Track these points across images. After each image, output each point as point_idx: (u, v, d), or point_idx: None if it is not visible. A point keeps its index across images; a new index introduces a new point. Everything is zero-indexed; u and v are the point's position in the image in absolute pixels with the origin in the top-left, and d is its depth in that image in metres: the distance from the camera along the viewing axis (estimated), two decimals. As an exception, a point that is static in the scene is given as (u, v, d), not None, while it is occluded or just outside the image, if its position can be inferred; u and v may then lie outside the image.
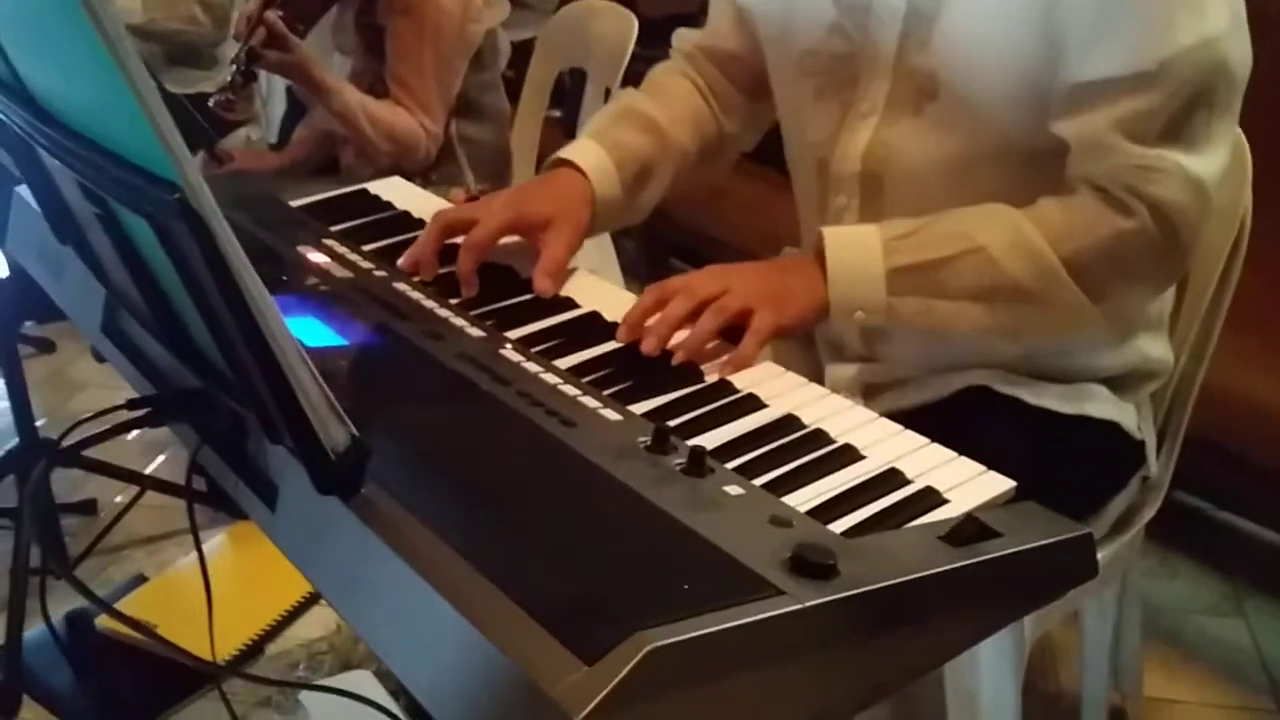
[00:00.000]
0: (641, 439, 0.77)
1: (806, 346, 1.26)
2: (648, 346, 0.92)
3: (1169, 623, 1.81)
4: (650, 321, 0.94)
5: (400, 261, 1.06)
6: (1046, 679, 1.69)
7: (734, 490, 0.73)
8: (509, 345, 0.92)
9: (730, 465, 0.77)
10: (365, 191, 1.31)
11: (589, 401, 0.83)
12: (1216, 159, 0.99)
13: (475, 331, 0.94)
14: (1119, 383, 1.15)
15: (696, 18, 1.44)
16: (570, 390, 0.85)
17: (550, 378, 0.87)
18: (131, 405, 0.82)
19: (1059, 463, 1.08)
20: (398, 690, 1.59)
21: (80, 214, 0.82)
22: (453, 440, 0.77)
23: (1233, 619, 1.83)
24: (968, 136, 1.05)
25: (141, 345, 0.95)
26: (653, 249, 2.66)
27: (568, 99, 2.57)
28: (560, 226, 1.08)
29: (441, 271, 1.08)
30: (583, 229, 1.11)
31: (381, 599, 0.64)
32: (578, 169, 1.14)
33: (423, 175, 2.10)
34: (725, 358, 0.92)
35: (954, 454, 0.81)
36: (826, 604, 0.60)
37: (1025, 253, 0.99)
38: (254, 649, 1.75)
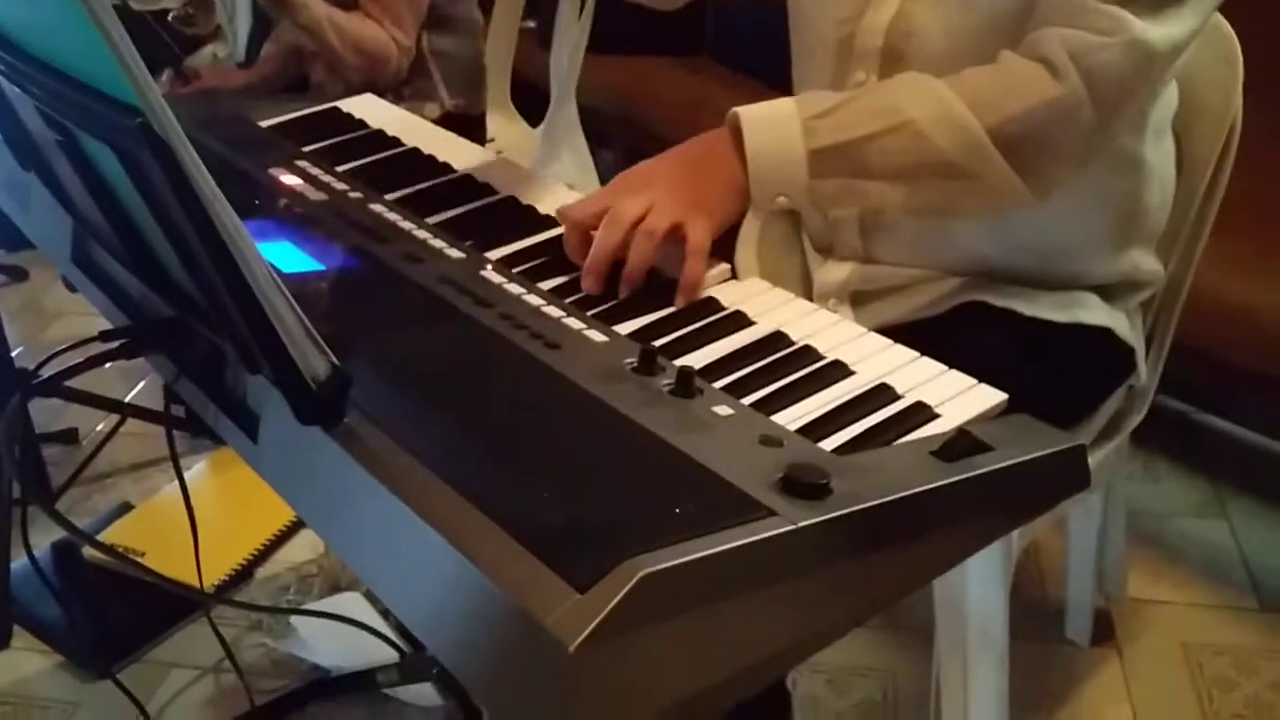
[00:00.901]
0: (628, 360, 0.76)
1: (793, 246, 1.24)
2: (589, 286, 0.89)
3: (1153, 525, 1.83)
4: (588, 257, 0.90)
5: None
6: (1032, 584, 1.71)
7: (723, 410, 0.71)
8: (490, 266, 0.90)
9: (718, 384, 0.77)
10: (337, 110, 1.28)
11: (573, 323, 0.82)
12: (1179, 27, 0.95)
13: (455, 253, 0.92)
14: (1110, 291, 1.14)
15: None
16: (554, 312, 0.83)
17: (533, 299, 0.85)
18: (105, 337, 0.80)
19: (1052, 370, 1.07)
20: (387, 610, 1.60)
21: (43, 142, 0.79)
22: (435, 366, 0.75)
23: (1215, 520, 1.85)
24: (990, 12, 1.01)
25: (113, 275, 0.93)
26: (631, 161, 2.62)
27: (541, 8, 2.51)
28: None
29: (413, 190, 1.06)
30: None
31: (368, 529, 0.63)
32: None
33: (394, 91, 2.06)
34: (678, 293, 0.89)
35: (944, 367, 0.80)
36: (819, 524, 0.60)
37: (952, 126, 0.95)
38: (243, 574, 1.75)
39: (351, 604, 1.62)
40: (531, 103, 2.27)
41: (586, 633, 0.51)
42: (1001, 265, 1.10)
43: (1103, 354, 1.16)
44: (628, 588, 0.52)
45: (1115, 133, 1.00)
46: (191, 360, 0.80)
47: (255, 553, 1.79)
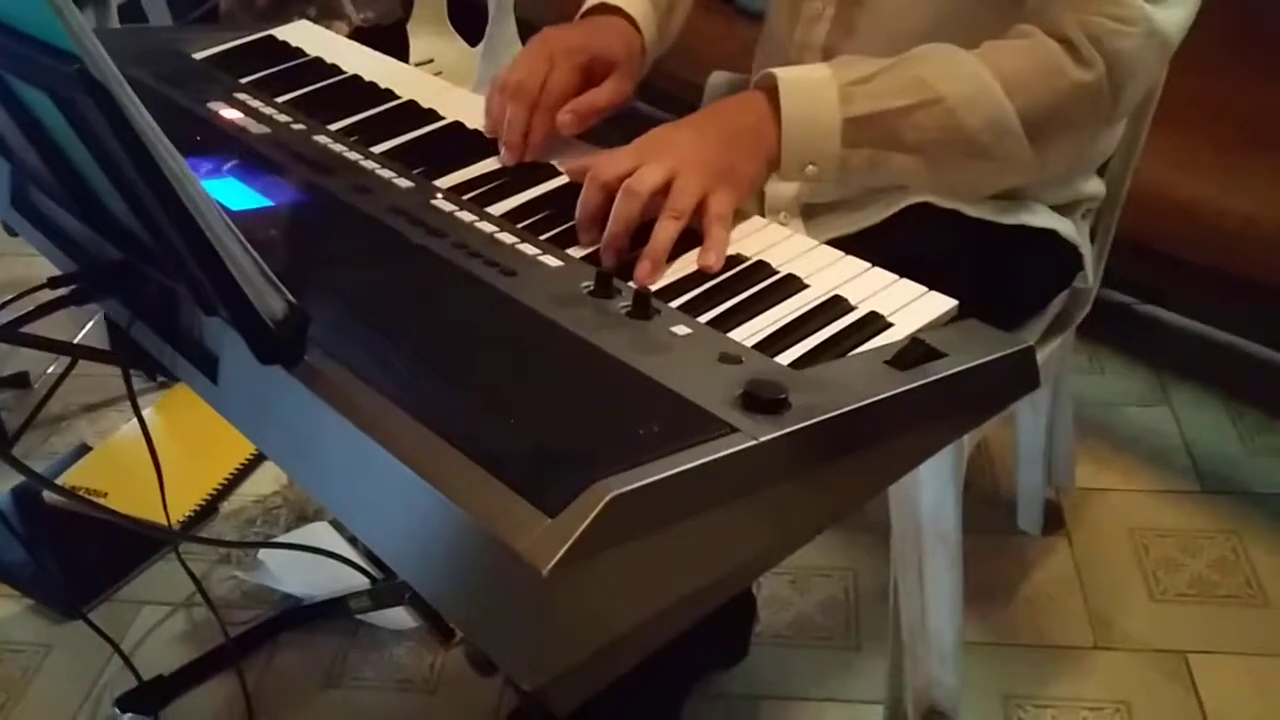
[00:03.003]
0: (584, 284, 0.77)
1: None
2: (608, 261, 0.83)
3: (1098, 416, 1.88)
4: (605, 233, 0.84)
5: (504, 140, 0.98)
6: (984, 478, 1.75)
7: (681, 330, 0.72)
8: (440, 195, 0.90)
9: (674, 304, 0.77)
10: (272, 39, 1.25)
11: (528, 249, 0.82)
12: (1182, 9, 0.96)
13: (404, 183, 0.92)
14: (1056, 207, 1.16)
15: None
16: (507, 239, 0.83)
17: (486, 226, 0.85)
18: (54, 284, 0.79)
19: (1000, 271, 1.09)
20: (354, 536, 1.62)
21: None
22: (392, 298, 0.75)
23: (1159, 408, 1.90)
24: None
25: (55, 219, 0.92)
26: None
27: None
28: (623, 77, 1.03)
29: (357, 119, 1.05)
30: (635, 84, 1.05)
31: (335, 465, 0.64)
32: (626, 16, 1.08)
33: (300, 14, 2.01)
34: (704, 255, 0.84)
35: (895, 277, 0.81)
36: (780, 438, 0.61)
37: (985, 106, 0.95)
38: (207, 509, 1.76)
39: (320, 533, 1.63)
40: (466, 20, 2.23)
41: (558, 557, 0.52)
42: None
43: (1049, 255, 1.18)
44: (597, 510, 0.53)
45: (1122, 118, 1.01)
46: (145, 303, 0.79)
47: (218, 488, 1.80)
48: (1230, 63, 1.58)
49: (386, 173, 0.93)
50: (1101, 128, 1.01)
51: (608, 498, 0.54)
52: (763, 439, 0.61)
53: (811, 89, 0.94)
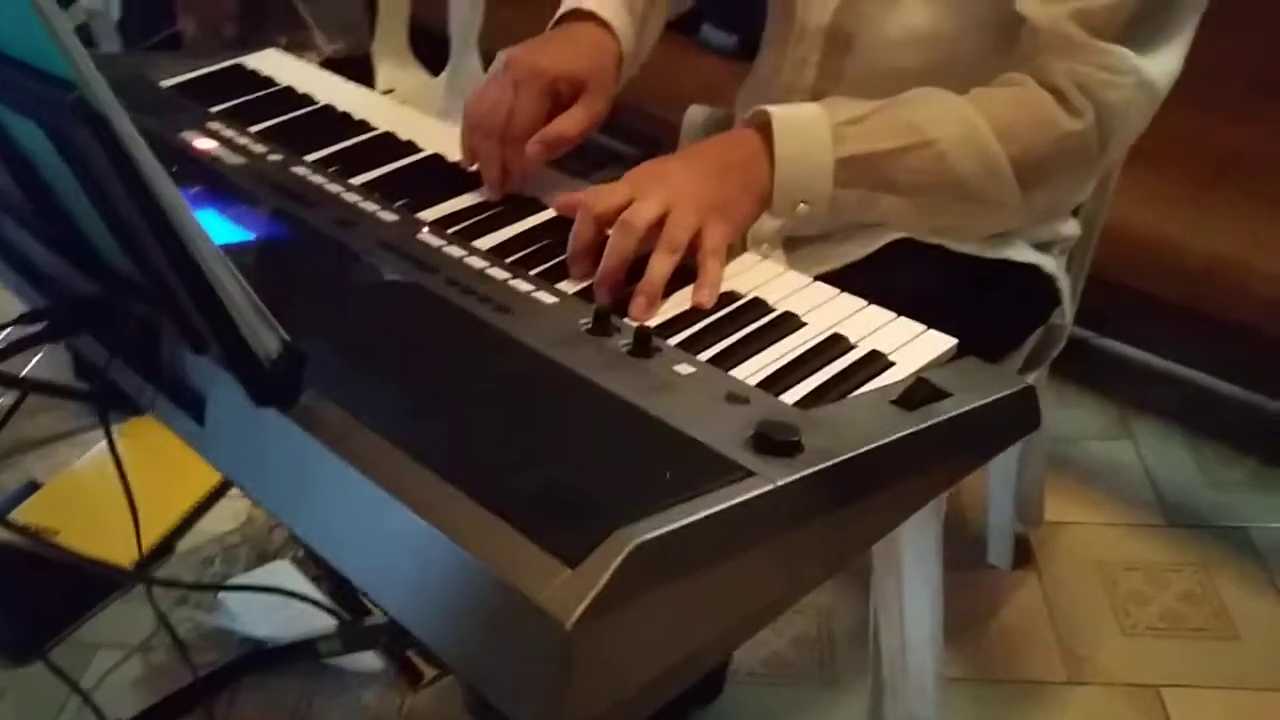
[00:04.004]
0: (582, 322, 0.75)
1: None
2: (602, 298, 0.81)
3: (1061, 449, 1.88)
4: (600, 268, 0.82)
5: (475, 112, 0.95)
6: (955, 513, 1.75)
7: (684, 369, 0.71)
8: (426, 229, 0.88)
9: (672, 342, 0.76)
10: (242, 67, 1.23)
11: (521, 285, 0.80)
12: (1172, 59, 0.97)
13: (388, 216, 0.90)
14: (1036, 245, 1.17)
15: None
16: (499, 274, 0.82)
17: (476, 261, 0.83)
18: (27, 319, 0.76)
19: (983, 306, 1.09)
20: (319, 576, 1.58)
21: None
22: (387, 336, 0.73)
23: (1121, 441, 1.91)
24: (948, 12, 1.01)
25: (24, 249, 0.88)
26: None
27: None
28: (592, 98, 0.99)
29: (334, 150, 1.03)
30: (609, 100, 1.02)
31: (336, 512, 0.62)
32: (602, 23, 1.04)
33: (269, 44, 1.99)
34: (697, 291, 0.82)
35: (892, 315, 0.81)
36: (797, 481, 0.60)
37: (976, 151, 0.95)
38: (163, 548, 1.71)
39: (282, 573, 1.59)
40: (428, 49, 2.22)
41: (582, 609, 0.50)
42: None
43: (1029, 290, 1.19)
44: (620, 559, 0.52)
45: (1107, 166, 1.01)
46: (123, 340, 0.76)
47: (174, 526, 1.74)
48: (1202, 103, 1.61)
49: (370, 206, 0.91)
50: (1090, 175, 1.01)
51: (631, 546, 0.52)
52: (780, 483, 0.59)
53: (804, 128, 0.94)
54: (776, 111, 0.94)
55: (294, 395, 0.64)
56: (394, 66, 2.12)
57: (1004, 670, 1.50)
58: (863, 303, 0.82)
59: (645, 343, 0.72)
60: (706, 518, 0.55)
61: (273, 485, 0.66)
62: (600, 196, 0.86)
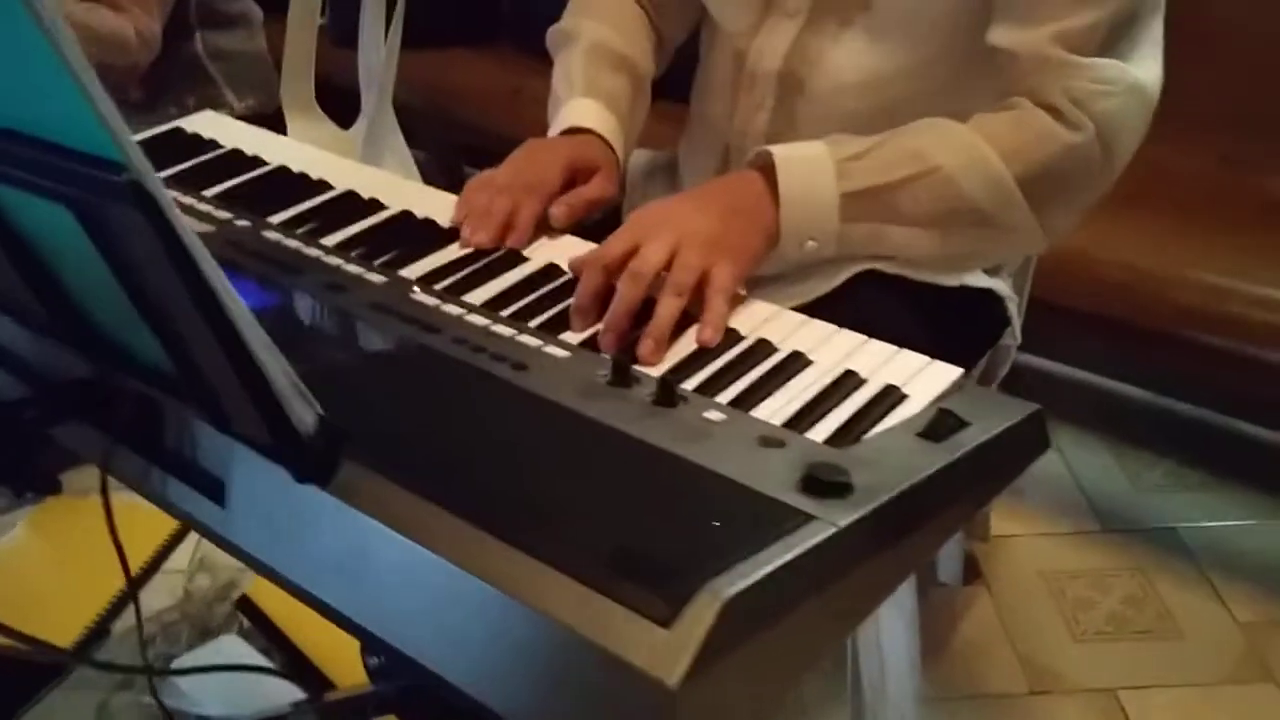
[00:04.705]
0: (600, 374, 0.74)
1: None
2: (608, 345, 0.81)
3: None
4: (608, 316, 0.82)
5: (467, 237, 0.95)
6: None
7: (713, 415, 0.71)
8: (417, 288, 0.87)
9: (688, 386, 0.76)
10: (182, 131, 1.19)
11: (528, 340, 0.79)
12: (1154, 64, 1.00)
13: (375, 277, 0.88)
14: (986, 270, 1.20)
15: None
16: (504, 330, 0.80)
17: (477, 319, 0.82)
18: (17, 408, 0.72)
19: (945, 331, 1.11)
20: (269, 648, 1.52)
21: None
22: (409, 402, 0.71)
23: (1049, 453, 1.97)
24: (898, 51, 1.02)
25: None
26: (446, 156, 2.56)
27: (334, 5, 2.41)
28: (606, 177, 1.03)
29: (298, 211, 1.01)
30: (618, 186, 1.06)
31: (394, 588, 0.60)
32: (597, 134, 1.08)
33: (178, 104, 1.94)
34: (702, 329, 0.82)
35: (895, 348, 0.82)
36: (857, 521, 0.60)
37: (982, 173, 0.96)
38: (98, 631, 1.63)
39: (230, 647, 1.53)
40: (329, 103, 2.19)
41: (685, 668, 0.50)
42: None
43: (983, 312, 1.22)
44: (715, 614, 0.51)
45: (1115, 178, 1.01)
46: (123, 424, 0.73)
47: (107, 608, 1.67)
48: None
49: (354, 268, 0.89)
50: (1099, 188, 1.02)
51: (723, 601, 0.52)
52: (842, 525, 0.59)
53: (808, 166, 0.95)
54: (779, 151, 0.95)
55: (333, 470, 0.62)
56: (305, 121, 2.08)
57: (969, 686, 1.53)
58: (863, 338, 0.83)
59: (669, 392, 0.72)
60: (784, 566, 0.55)
61: (312, 565, 0.64)
62: (606, 246, 0.86)
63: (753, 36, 1.10)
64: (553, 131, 1.12)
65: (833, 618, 0.62)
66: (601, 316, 0.82)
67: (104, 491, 0.73)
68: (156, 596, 1.69)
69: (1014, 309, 1.26)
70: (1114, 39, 0.97)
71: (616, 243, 0.86)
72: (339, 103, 2.17)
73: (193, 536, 1.75)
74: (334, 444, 0.61)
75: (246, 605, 1.60)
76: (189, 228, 0.52)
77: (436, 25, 2.44)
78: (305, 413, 0.61)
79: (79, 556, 1.73)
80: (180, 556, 1.75)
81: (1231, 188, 1.81)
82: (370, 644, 0.60)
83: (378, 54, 2.01)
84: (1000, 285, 1.20)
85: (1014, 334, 1.28)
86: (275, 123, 2.02)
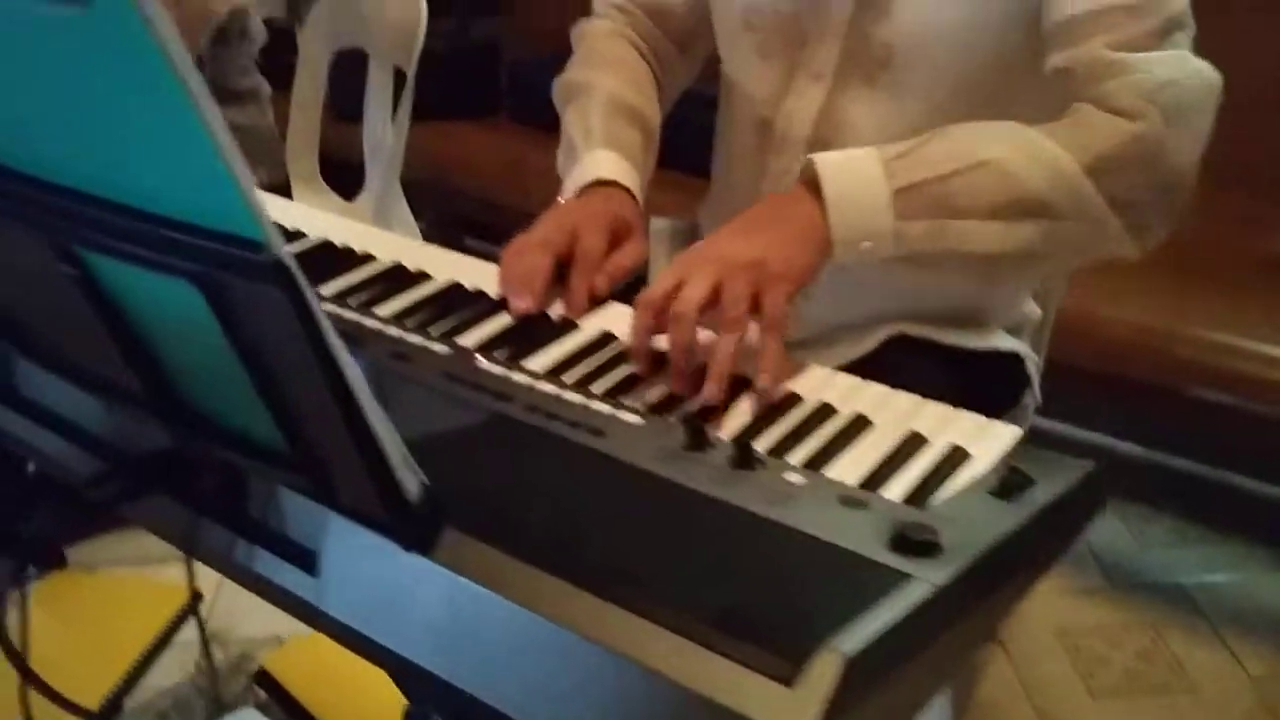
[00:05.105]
0: (677, 439, 0.76)
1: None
2: (681, 389, 0.83)
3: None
4: (672, 365, 0.84)
5: (515, 305, 0.96)
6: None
7: (793, 478, 0.73)
8: (481, 357, 0.88)
9: (760, 448, 0.77)
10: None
11: (600, 407, 0.81)
12: (1199, 59, 0.98)
13: (438, 347, 0.89)
14: (1008, 329, 1.23)
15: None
16: (574, 398, 0.82)
17: (546, 387, 0.83)
18: (95, 483, 0.73)
19: (972, 393, 1.14)
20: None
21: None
22: (499, 469, 0.73)
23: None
24: (925, 108, 1.04)
25: (53, 407, 0.85)
26: (446, 228, 2.59)
27: (336, 80, 2.44)
28: (639, 238, 1.05)
29: (352, 281, 1.02)
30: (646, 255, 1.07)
31: (502, 656, 0.60)
32: (622, 187, 1.10)
33: None
34: (759, 376, 0.83)
35: (952, 409, 0.84)
36: (953, 580, 0.62)
37: (1043, 163, 0.91)
38: (111, 708, 1.61)
39: (250, 721, 1.52)
40: (332, 176, 2.21)
41: (814, 725, 0.51)
42: (924, 311, 1.16)
43: (1006, 374, 1.25)
44: (839, 672, 0.52)
45: (1196, 170, 0.95)
46: (208, 496, 0.74)
47: (118, 686, 1.65)
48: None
49: (415, 338, 0.90)
50: (1180, 179, 0.95)
51: (847, 659, 0.53)
52: (940, 583, 0.61)
53: (854, 167, 0.92)
54: (822, 157, 0.93)
55: (437, 537, 0.63)
56: (311, 194, 2.11)
57: (993, 745, 1.54)
58: (919, 399, 0.85)
59: (748, 455, 0.73)
60: (894, 625, 0.57)
61: (413, 632, 0.64)
62: (652, 288, 0.87)
63: (779, 103, 1.13)
64: (572, 181, 1.13)
65: (929, 676, 0.64)
66: (654, 357, 0.85)
67: (189, 566, 0.74)
68: (168, 671, 1.68)
69: (1034, 369, 1.29)
70: (1168, 42, 0.96)
71: (661, 283, 0.87)
72: (341, 176, 2.20)
73: (202, 609, 1.74)
74: (438, 512, 0.63)
75: (265, 679, 1.59)
76: (318, 304, 0.54)
77: (437, 98, 2.47)
78: (411, 482, 0.62)
79: (87, 632, 1.71)
80: (189, 630, 1.74)
81: (1231, 245, 1.86)
82: (474, 712, 0.61)
83: (384, 128, 2.04)
84: (1022, 346, 1.23)
85: (1034, 394, 1.31)
86: (283, 195, 2.04)
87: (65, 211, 0.58)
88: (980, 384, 1.18)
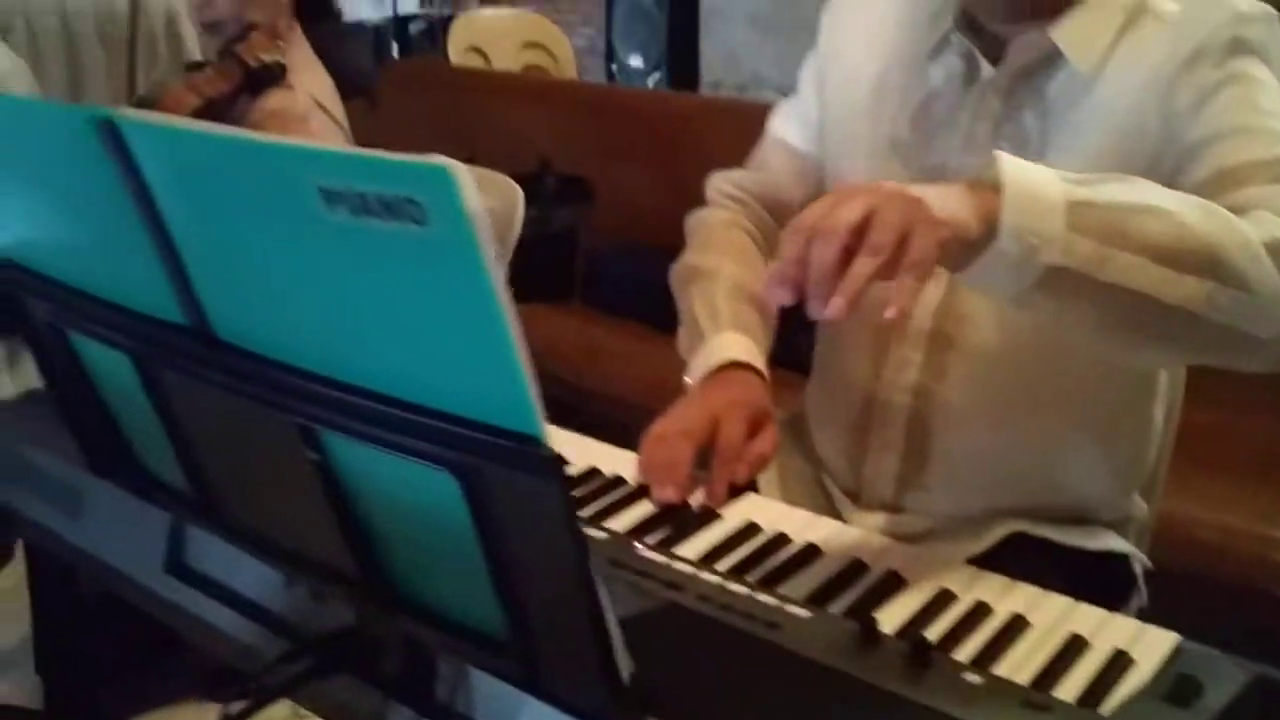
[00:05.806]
0: (850, 632, 0.78)
1: (815, 490, 1.28)
2: (783, 300, 0.81)
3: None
4: (800, 277, 0.80)
5: (659, 494, 0.97)
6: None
7: (971, 678, 0.74)
8: (640, 545, 0.91)
9: (930, 637, 0.79)
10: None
11: (766, 599, 0.83)
12: None
13: (596, 533, 0.92)
14: (1116, 528, 1.25)
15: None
16: (738, 589, 0.84)
17: (709, 577, 0.86)
18: (287, 659, 0.75)
19: (1086, 594, 1.15)
20: None
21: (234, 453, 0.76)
22: (688, 660, 0.74)
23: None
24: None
25: (227, 580, 0.88)
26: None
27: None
28: (773, 428, 1.06)
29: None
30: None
31: None
32: (753, 369, 1.12)
33: None
34: (887, 291, 0.79)
35: (1106, 612, 0.86)
36: (1153, 787, 0.63)
37: (1222, 225, 0.86)
38: None
39: None
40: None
41: None
42: (1039, 507, 1.18)
43: (1116, 575, 1.26)
44: None
45: None
46: (388, 679, 0.75)
47: None
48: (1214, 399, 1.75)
49: (576, 525, 0.93)
50: None
51: None
52: (1146, 789, 0.62)
53: (1036, 171, 0.87)
54: (1004, 154, 0.88)
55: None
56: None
57: None
58: (1069, 600, 0.87)
59: (925, 653, 0.75)
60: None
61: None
62: (804, 214, 0.83)
63: None
64: (702, 362, 1.15)
65: None
66: (801, 282, 0.81)
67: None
68: None
69: (1140, 570, 1.30)
70: None
71: (816, 207, 0.82)
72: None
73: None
74: (648, 699, 0.64)
75: None
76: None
77: (513, 281, 2.56)
78: (626, 667, 0.64)
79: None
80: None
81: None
82: None
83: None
84: (1132, 548, 1.24)
85: (1141, 595, 1.31)
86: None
87: (319, 397, 0.62)
88: (1093, 585, 1.18)
